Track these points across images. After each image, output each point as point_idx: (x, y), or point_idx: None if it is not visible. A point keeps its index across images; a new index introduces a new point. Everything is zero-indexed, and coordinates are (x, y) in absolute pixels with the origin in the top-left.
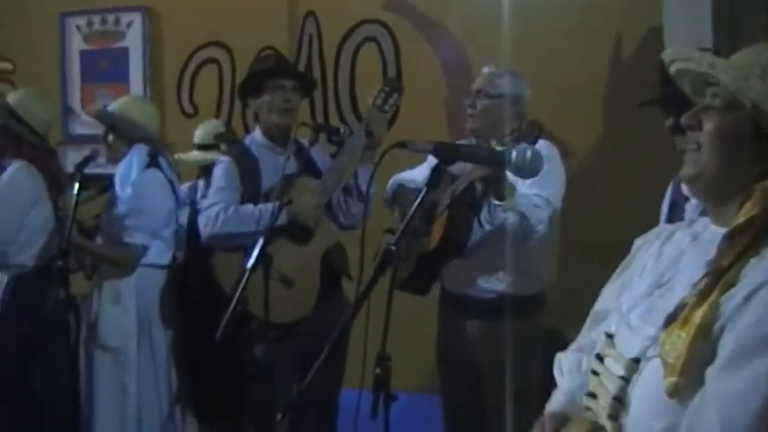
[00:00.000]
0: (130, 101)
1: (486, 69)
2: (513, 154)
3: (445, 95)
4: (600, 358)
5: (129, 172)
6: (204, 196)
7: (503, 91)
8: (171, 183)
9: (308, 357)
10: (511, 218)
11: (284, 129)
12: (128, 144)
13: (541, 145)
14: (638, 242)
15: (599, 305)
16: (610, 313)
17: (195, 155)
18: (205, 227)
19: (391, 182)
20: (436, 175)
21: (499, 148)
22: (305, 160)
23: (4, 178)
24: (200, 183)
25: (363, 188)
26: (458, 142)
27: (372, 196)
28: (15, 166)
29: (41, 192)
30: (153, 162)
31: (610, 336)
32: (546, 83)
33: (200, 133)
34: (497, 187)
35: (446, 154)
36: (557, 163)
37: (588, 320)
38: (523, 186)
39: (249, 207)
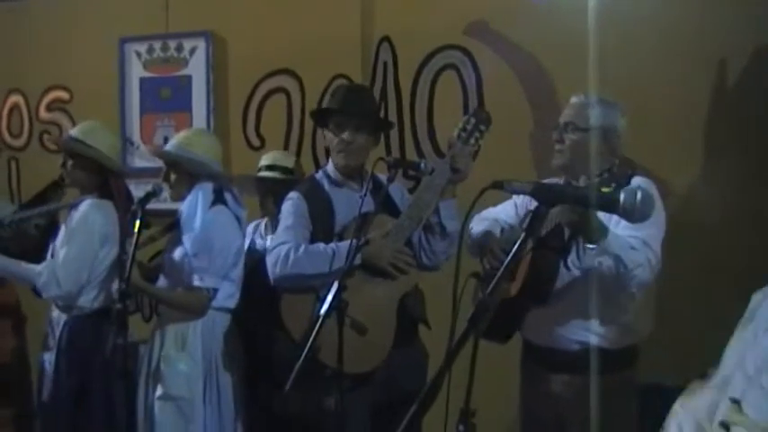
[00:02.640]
0: (192, 135)
1: (574, 99)
2: (622, 196)
3: (530, 128)
4: (726, 427)
5: (194, 210)
6: (262, 236)
7: (593, 123)
8: (238, 219)
9: (382, 408)
10: (604, 262)
11: (351, 168)
12: (190, 182)
13: (639, 182)
14: (757, 296)
15: (723, 370)
16: (733, 377)
17: (264, 173)
18: (274, 267)
19: (476, 227)
20: (536, 219)
21: (605, 190)
22: (382, 198)
23: (75, 216)
24: (263, 224)
25: (448, 225)
26: (547, 181)
27: (455, 235)
28: (88, 203)
29: (112, 230)
30: (218, 198)
31: (736, 401)
32: (639, 113)
33: (270, 155)
34: (588, 228)
35: (547, 196)
36: (656, 202)
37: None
38: (618, 227)
39: (321, 246)
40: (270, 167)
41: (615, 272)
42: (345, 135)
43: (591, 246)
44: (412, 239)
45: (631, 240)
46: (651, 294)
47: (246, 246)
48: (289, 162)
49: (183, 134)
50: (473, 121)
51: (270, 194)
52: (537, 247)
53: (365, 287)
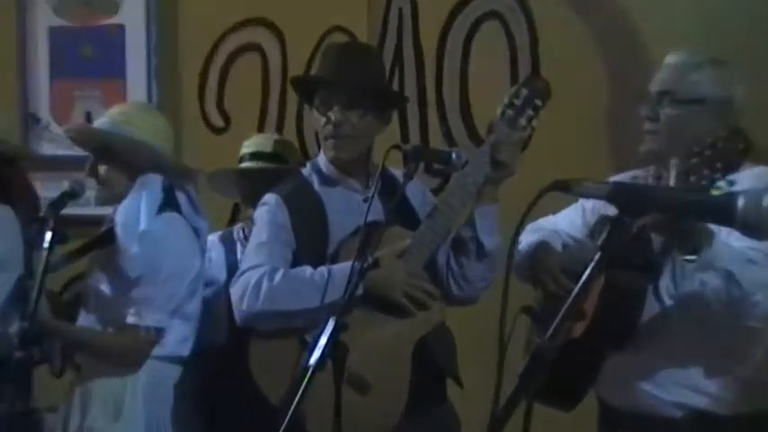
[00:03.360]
0: (132, 111)
1: (672, 59)
2: (741, 201)
3: (606, 102)
4: None
5: (134, 218)
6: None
7: (703, 93)
8: (195, 232)
9: None
10: (709, 282)
11: (347, 161)
12: (129, 177)
13: (757, 173)
14: None
15: None
16: None
17: (249, 164)
18: (241, 301)
19: (528, 239)
20: (616, 233)
21: (716, 192)
22: (396, 201)
23: None
24: (239, 229)
25: (487, 240)
26: (630, 177)
27: (495, 252)
28: None
29: (9, 247)
30: (169, 201)
31: None
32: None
33: (254, 140)
34: (686, 235)
35: (632, 202)
36: None
37: None
38: (730, 235)
39: (308, 271)
40: (253, 156)
41: (726, 296)
42: (333, 114)
43: (689, 258)
44: (437, 260)
45: (749, 252)
46: None
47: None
48: (281, 148)
49: (117, 109)
50: (524, 93)
51: (258, 194)
52: (613, 266)
53: (370, 327)
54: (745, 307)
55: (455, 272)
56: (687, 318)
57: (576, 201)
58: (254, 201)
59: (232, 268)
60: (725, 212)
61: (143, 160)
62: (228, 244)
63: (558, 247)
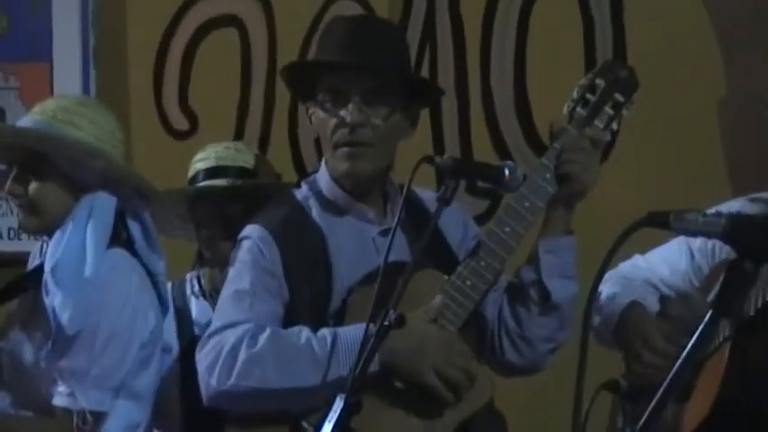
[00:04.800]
0: (72, 106)
1: None
2: None
3: (721, 91)
4: None
5: (74, 256)
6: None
7: None
8: (150, 275)
9: None
10: None
11: (363, 179)
12: (70, 197)
13: None
14: None
15: None
16: None
17: (207, 183)
18: (209, 373)
19: (608, 289)
20: (736, 283)
21: None
22: (428, 235)
23: None
24: (191, 279)
25: (556, 288)
26: (752, 197)
27: (569, 303)
28: None
29: None
30: (117, 233)
31: None
32: None
33: (214, 150)
34: None
35: (756, 240)
36: None
37: None
38: None
39: (303, 335)
40: (216, 172)
41: None
42: (349, 112)
43: None
44: (483, 314)
45: None
46: None
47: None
48: (250, 160)
49: (52, 104)
50: (600, 85)
51: (217, 223)
52: (742, 330)
53: (390, 409)
54: None
55: (511, 330)
56: None
57: (679, 237)
58: (209, 231)
59: (189, 338)
60: None
61: (93, 174)
62: (179, 302)
63: (655, 304)
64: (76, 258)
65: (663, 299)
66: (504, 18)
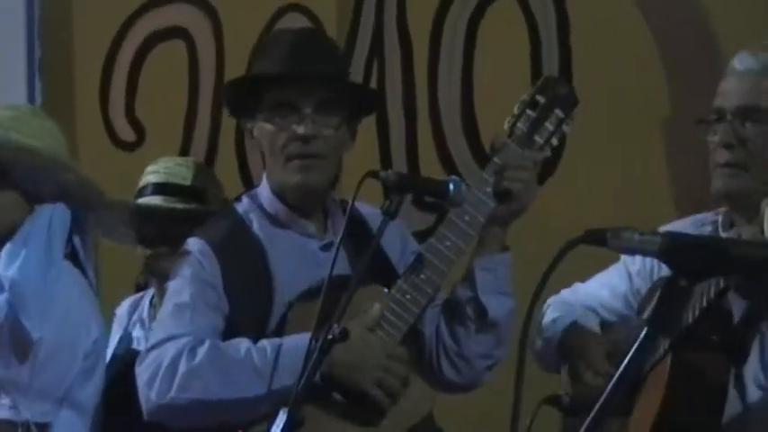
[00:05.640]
0: (20, 114)
1: (747, 62)
2: None
3: (664, 111)
4: None
5: (32, 273)
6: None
7: None
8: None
9: None
10: None
11: (311, 193)
12: (24, 205)
13: None
14: None
15: None
16: None
17: (151, 200)
18: (149, 386)
19: (550, 314)
20: (672, 300)
21: None
22: (372, 250)
23: None
24: (148, 302)
25: (492, 305)
26: (693, 219)
27: (506, 320)
28: None
29: None
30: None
31: None
32: None
33: (164, 165)
34: None
35: (692, 259)
36: None
37: None
38: None
39: (243, 347)
40: (162, 188)
41: None
42: (302, 124)
43: None
44: (422, 330)
45: None
46: None
47: (116, 343)
48: (201, 180)
49: (5, 113)
50: (542, 101)
51: (163, 242)
52: (681, 344)
53: (330, 423)
54: None
55: (448, 348)
56: None
57: (619, 258)
58: (155, 252)
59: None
60: None
61: (53, 186)
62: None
63: (596, 328)
64: (40, 275)
65: (603, 323)
66: (452, 33)
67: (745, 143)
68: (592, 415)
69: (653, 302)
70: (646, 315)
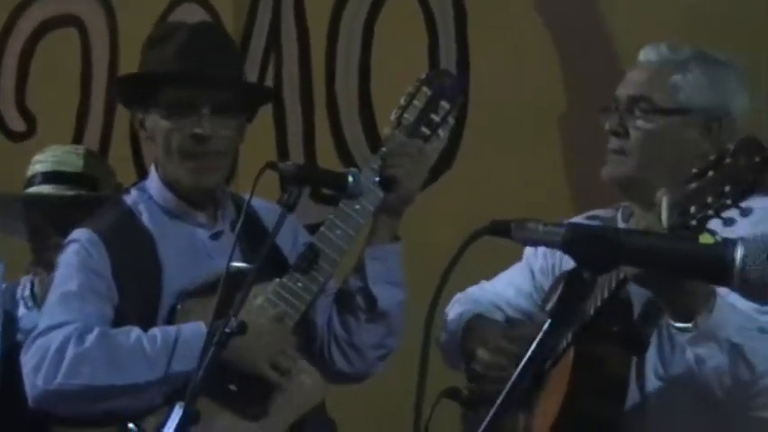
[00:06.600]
0: None
1: (648, 54)
2: (739, 253)
3: (561, 107)
4: None
5: None
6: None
7: (688, 100)
8: None
9: None
10: (709, 359)
11: (205, 188)
12: None
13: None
14: None
15: None
16: None
17: (40, 189)
18: (35, 373)
19: (456, 309)
20: (574, 292)
21: (706, 240)
22: (271, 241)
23: None
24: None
25: (382, 295)
26: (592, 213)
27: (398, 315)
28: None
29: None
30: None
31: None
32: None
33: (52, 154)
34: (677, 294)
35: (595, 250)
36: None
37: None
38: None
39: (133, 334)
40: (53, 177)
41: (732, 378)
42: (200, 124)
43: (681, 325)
44: (314, 320)
45: (761, 318)
46: None
47: None
48: (92, 167)
49: None
50: (428, 93)
51: (52, 231)
52: (582, 339)
53: (223, 415)
54: (756, 392)
55: (340, 337)
56: (679, 406)
57: (524, 254)
58: (44, 240)
59: (11, 343)
60: (716, 267)
61: None
62: (8, 306)
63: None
64: None
65: (508, 321)
66: (350, 26)
67: (630, 131)
68: (495, 406)
69: (556, 295)
70: (549, 307)
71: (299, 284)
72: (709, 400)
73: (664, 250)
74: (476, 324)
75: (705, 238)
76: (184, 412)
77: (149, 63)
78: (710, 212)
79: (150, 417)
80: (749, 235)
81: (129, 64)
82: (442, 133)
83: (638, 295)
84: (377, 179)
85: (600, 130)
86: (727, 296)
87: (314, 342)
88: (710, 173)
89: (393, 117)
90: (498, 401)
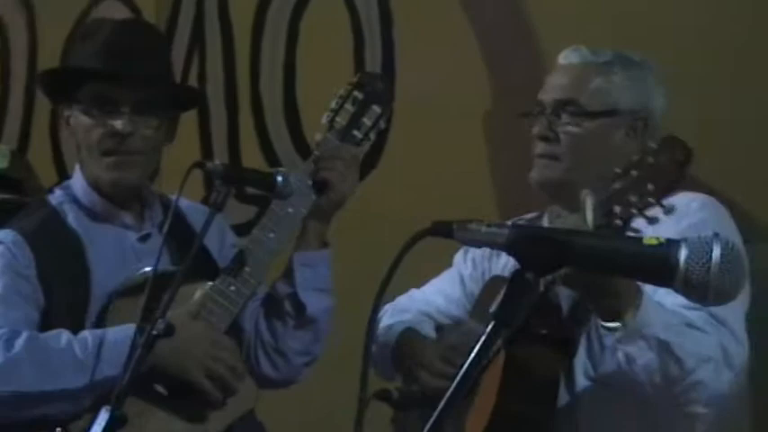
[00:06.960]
0: None
1: (570, 57)
2: (683, 254)
3: (486, 106)
4: None
5: None
6: None
7: (614, 102)
8: None
9: None
10: (639, 357)
11: (127, 187)
12: None
13: (698, 203)
14: None
15: None
16: None
17: None
18: None
19: (384, 321)
20: (517, 292)
21: (649, 242)
22: (199, 243)
23: None
24: None
25: (310, 300)
26: (524, 218)
27: (325, 317)
28: None
29: None
30: None
31: None
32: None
33: None
34: (603, 293)
35: (541, 251)
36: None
37: None
38: (665, 292)
39: (63, 338)
40: None
41: (661, 375)
42: (120, 121)
43: (609, 325)
44: (242, 325)
45: (688, 314)
46: (742, 415)
47: None
48: (16, 168)
49: None
50: (359, 96)
51: None
52: (514, 339)
53: (151, 420)
54: (685, 389)
55: (266, 342)
56: (609, 406)
57: (454, 261)
58: None
59: None
60: (660, 268)
61: None
62: None
63: (431, 333)
64: None
65: (438, 328)
66: (275, 24)
67: (560, 135)
68: (436, 414)
69: (499, 297)
70: (492, 309)
71: (232, 288)
72: (640, 398)
73: (608, 252)
74: (407, 340)
75: (649, 240)
76: (110, 416)
77: (74, 57)
78: (634, 211)
79: (78, 420)
80: (693, 236)
81: (49, 62)
82: (374, 137)
83: (565, 296)
84: (309, 182)
85: (525, 131)
86: (653, 294)
87: (241, 347)
88: (633, 172)
89: (324, 120)
90: (441, 407)
